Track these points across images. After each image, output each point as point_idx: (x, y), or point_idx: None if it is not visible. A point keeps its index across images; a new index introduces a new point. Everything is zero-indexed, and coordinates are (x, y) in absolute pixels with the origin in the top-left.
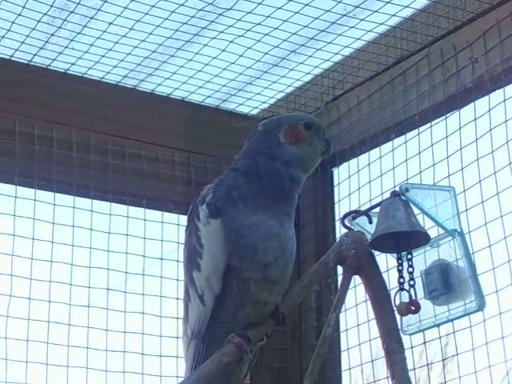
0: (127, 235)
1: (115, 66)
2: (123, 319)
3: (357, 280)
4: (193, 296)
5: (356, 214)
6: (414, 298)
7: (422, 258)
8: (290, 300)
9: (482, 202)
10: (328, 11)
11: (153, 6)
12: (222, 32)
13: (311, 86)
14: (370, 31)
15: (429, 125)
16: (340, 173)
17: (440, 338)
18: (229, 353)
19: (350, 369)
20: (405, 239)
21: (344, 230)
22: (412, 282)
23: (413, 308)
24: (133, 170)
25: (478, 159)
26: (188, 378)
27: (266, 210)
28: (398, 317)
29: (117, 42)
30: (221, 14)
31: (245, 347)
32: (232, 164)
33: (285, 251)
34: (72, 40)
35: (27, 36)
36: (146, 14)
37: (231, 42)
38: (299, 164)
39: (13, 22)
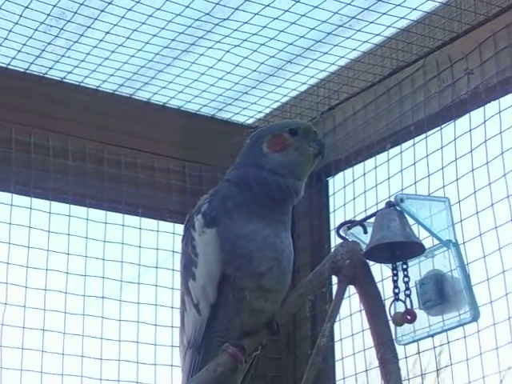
0: (122, 244)
1: (111, 75)
2: (118, 327)
3: (351, 290)
4: (188, 305)
5: (351, 223)
6: (409, 307)
7: (417, 269)
8: (285, 309)
9: (477, 212)
10: (324, 22)
11: (149, 16)
12: (219, 42)
13: (307, 96)
14: (365, 42)
15: (424, 135)
16: (335, 182)
17: (434, 348)
18: (223, 362)
19: (344, 378)
20: (400, 249)
21: (339, 240)
22: (408, 292)
23: (409, 317)
24: (128, 179)
25: (472, 170)
26: None
27: (260, 219)
28: (392, 327)
29: (113, 51)
30: (217, 24)
31: (239, 357)
32: (225, 176)
33: (281, 261)
34: (68, 49)
35: (24, 44)
36: (143, 23)
37: (227, 51)
38: (287, 171)
39: (10, 31)
